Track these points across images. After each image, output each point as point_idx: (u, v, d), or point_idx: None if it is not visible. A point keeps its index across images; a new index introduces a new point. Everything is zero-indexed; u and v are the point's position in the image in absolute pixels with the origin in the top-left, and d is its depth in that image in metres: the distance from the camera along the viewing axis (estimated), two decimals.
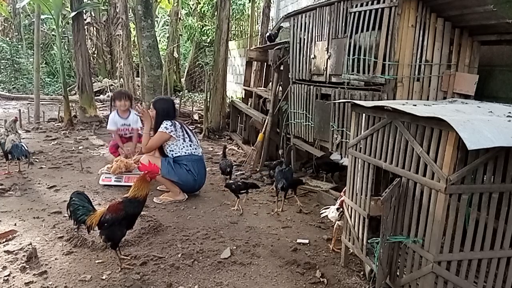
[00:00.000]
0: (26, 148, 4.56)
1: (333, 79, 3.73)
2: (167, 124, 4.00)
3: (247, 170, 5.27)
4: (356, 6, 3.33)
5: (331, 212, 3.00)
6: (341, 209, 2.90)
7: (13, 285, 2.43)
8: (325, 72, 3.83)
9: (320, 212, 3.07)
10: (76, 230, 3.14)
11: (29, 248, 2.79)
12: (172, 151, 4.07)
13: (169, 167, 3.98)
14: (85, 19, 12.77)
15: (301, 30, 4.30)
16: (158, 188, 4.33)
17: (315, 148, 4.43)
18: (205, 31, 15.02)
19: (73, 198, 2.67)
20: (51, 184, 4.31)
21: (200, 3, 15.23)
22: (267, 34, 6.25)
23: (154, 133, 4.12)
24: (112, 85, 13.11)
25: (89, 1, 9.44)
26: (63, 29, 12.82)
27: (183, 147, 4.07)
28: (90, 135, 7.28)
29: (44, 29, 14.79)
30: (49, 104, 11.06)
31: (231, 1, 8.57)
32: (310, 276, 2.66)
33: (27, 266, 2.62)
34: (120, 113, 5.14)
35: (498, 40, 2.99)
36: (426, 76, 3.09)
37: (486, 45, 3.20)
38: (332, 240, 3.09)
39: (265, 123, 5.34)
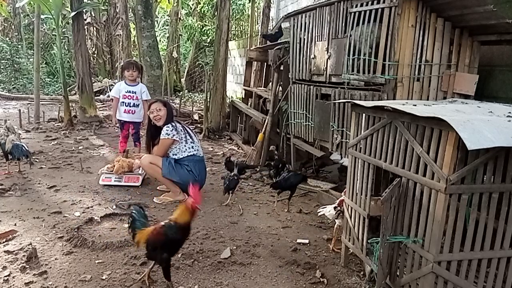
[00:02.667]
0: (26, 148, 4.56)
1: (333, 79, 3.73)
2: (167, 129, 3.98)
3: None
4: (356, 6, 3.34)
5: (328, 211, 3.01)
6: (339, 208, 2.90)
7: (13, 285, 2.43)
8: (325, 72, 3.83)
9: (318, 211, 3.07)
10: (76, 230, 3.15)
11: (29, 248, 2.79)
12: (175, 155, 4.05)
13: (170, 167, 3.97)
14: (85, 19, 12.77)
15: (301, 30, 4.30)
16: (158, 188, 4.33)
17: (315, 148, 4.44)
18: (205, 31, 15.03)
19: (133, 211, 2.59)
20: (51, 184, 4.31)
21: (200, 3, 15.25)
22: (270, 32, 6.24)
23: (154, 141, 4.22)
24: (112, 85, 13.10)
25: (89, 1, 9.43)
26: (63, 29, 12.81)
27: (186, 149, 4.05)
28: (90, 135, 7.27)
29: (44, 29, 14.78)
30: (49, 104, 11.04)
31: (231, 1, 8.57)
32: (310, 276, 2.66)
33: (27, 266, 2.62)
34: (127, 82, 5.28)
35: (498, 40, 2.99)
36: (426, 76, 3.09)
37: (486, 45, 3.20)
38: (332, 240, 3.10)
39: (265, 123, 5.34)
